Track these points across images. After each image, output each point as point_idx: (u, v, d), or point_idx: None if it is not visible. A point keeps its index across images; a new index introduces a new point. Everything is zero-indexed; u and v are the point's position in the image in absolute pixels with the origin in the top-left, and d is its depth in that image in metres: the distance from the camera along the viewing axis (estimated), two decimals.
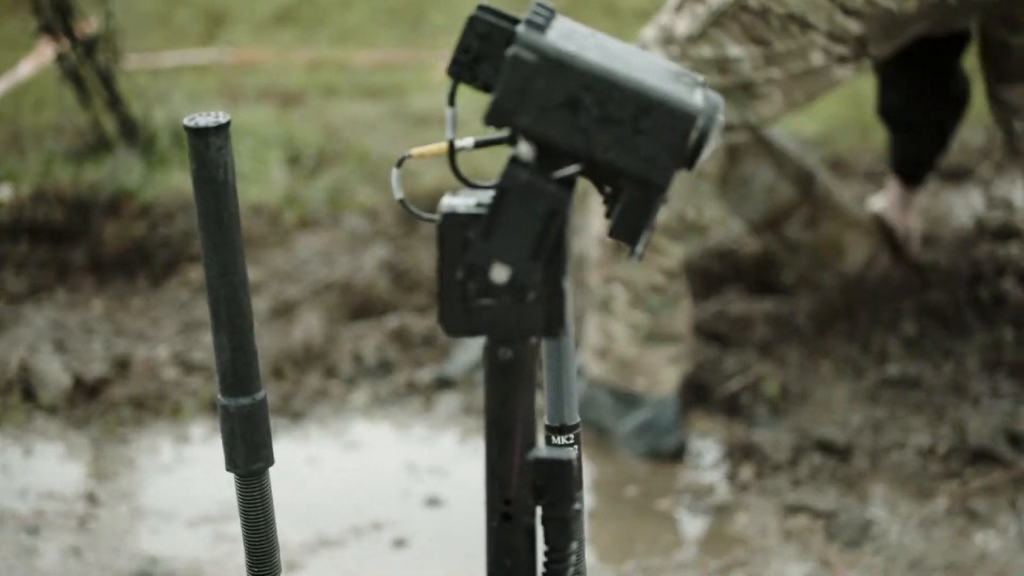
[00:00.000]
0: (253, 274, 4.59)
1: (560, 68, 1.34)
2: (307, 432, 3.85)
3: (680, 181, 3.68)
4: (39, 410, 3.91)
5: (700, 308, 4.46)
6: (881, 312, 4.29)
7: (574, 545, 1.53)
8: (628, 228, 1.38)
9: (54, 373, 4.00)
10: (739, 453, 3.64)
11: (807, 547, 3.30)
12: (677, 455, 3.67)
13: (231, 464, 1.70)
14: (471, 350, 4.06)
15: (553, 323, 1.42)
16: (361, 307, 4.41)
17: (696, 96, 1.37)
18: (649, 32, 3.58)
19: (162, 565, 3.22)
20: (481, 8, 1.44)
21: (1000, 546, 3.30)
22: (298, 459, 3.72)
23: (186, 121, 1.56)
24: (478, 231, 1.39)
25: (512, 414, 1.49)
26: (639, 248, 1.41)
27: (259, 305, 4.41)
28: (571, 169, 1.38)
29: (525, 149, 1.38)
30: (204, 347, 4.18)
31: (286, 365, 4.07)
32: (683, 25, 3.47)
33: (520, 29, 1.36)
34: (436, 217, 1.41)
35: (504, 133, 1.40)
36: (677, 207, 3.58)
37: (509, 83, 1.35)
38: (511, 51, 1.35)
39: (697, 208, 3.63)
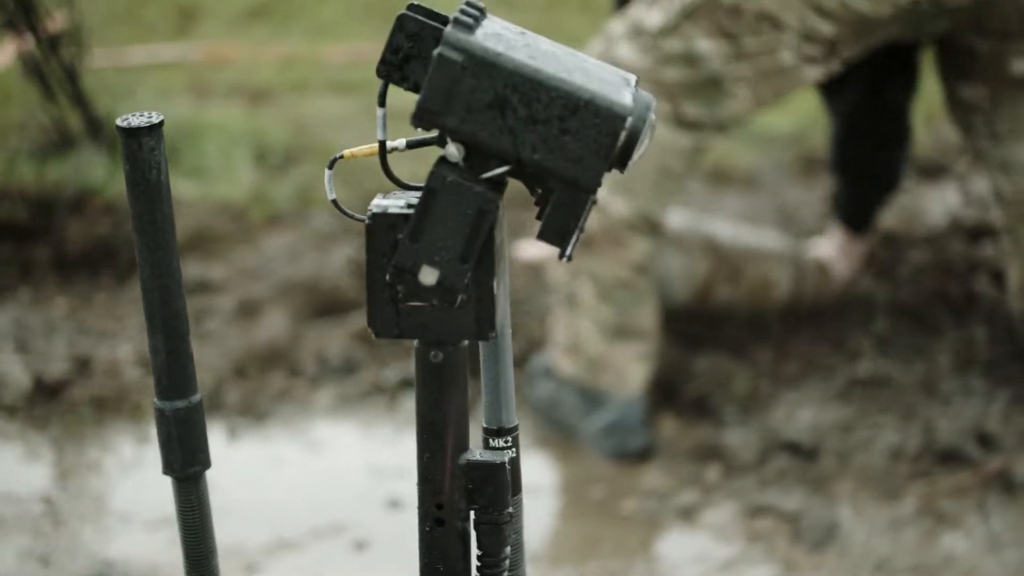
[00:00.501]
0: (219, 272, 4.59)
1: (486, 68, 1.34)
2: (270, 432, 3.85)
3: (644, 179, 3.71)
4: None
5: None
6: (853, 312, 4.30)
7: (507, 550, 1.53)
8: (557, 229, 1.38)
9: (14, 373, 4.00)
10: (706, 454, 3.65)
11: (772, 548, 3.31)
12: (644, 455, 3.68)
13: (167, 467, 1.69)
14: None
15: (483, 325, 1.42)
16: (327, 306, 4.41)
17: (625, 96, 1.36)
18: (617, 26, 3.59)
19: (119, 567, 3.22)
20: (411, 7, 1.44)
21: (967, 547, 3.31)
22: (260, 460, 3.72)
23: (119, 121, 1.56)
24: (406, 233, 1.39)
25: (444, 417, 1.49)
26: (568, 250, 1.41)
27: (224, 304, 4.41)
28: (499, 170, 1.38)
29: (453, 150, 1.38)
30: None
31: (250, 364, 4.07)
32: (654, 18, 3.47)
33: (447, 29, 1.35)
34: (366, 218, 1.41)
35: (434, 134, 1.40)
36: (641, 204, 3.59)
37: (435, 83, 1.35)
38: (437, 51, 1.34)
39: (661, 206, 3.63)
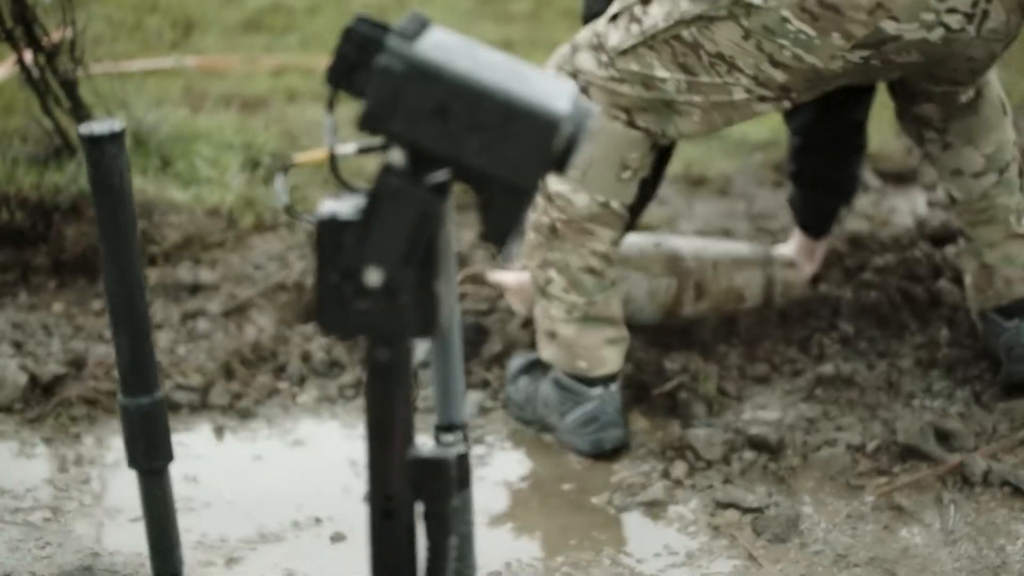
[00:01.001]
0: (209, 276, 4.59)
1: (427, 77, 1.35)
2: (254, 431, 3.85)
3: (602, 174, 3.71)
4: None
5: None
6: (819, 313, 4.31)
7: (453, 540, 1.53)
8: (497, 230, 1.39)
9: (11, 373, 4.00)
10: (673, 450, 3.65)
11: (734, 542, 3.31)
12: (618, 450, 3.68)
13: (132, 461, 1.70)
14: (418, 350, 4.07)
15: (427, 324, 1.42)
16: (313, 309, 4.41)
17: (562, 103, 1.37)
18: (584, 34, 3.60)
19: (104, 559, 3.22)
20: (358, 18, 1.44)
21: (924, 540, 3.31)
22: (244, 457, 3.72)
23: (81, 129, 1.57)
24: (352, 235, 1.39)
25: (391, 414, 1.49)
26: (510, 250, 1.41)
27: (212, 307, 4.41)
28: (441, 175, 1.38)
29: (396, 155, 1.38)
30: (159, 348, 4.17)
31: (236, 365, 4.07)
32: (615, 37, 3.49)
33: (388, 39, 1.36)
34: (311, 220, 1.41)
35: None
36: (600, 198, 3.60)
37: (378, 91, 1.36)
38: (379, 60, 1.35)
39: (621, 200, 3.63)
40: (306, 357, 4.14)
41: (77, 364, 4.08)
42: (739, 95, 3.45)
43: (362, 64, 1.42)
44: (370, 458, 1.50)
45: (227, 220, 4.93)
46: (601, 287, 3.68)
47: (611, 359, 3.72)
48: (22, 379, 3.98)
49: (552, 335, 3.72)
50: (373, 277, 1.40)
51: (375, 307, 1.41)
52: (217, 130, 5.57)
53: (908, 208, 5.46)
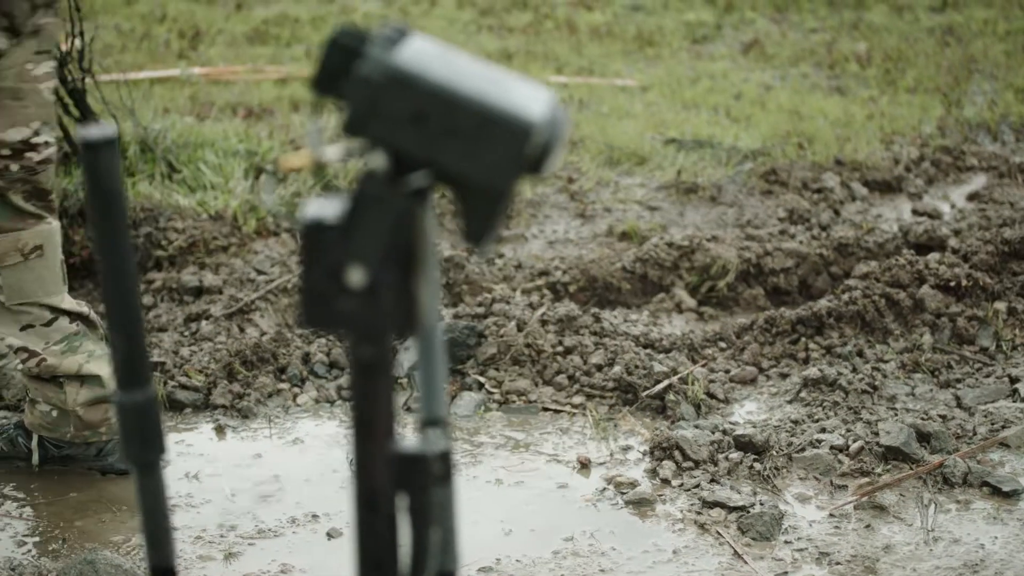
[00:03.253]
0: (212, 279, 4.61)
1: (404, 84, 1.36)
2: (255, 430, 3.87)
3: None
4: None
5: (637, 312, 4.50)
6: (805, 317, 4.32)
7: (436, 532, 1.55)
8: (475, 230, 1.41)
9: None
10: (661, 450, 3.66)
11: (720, 539, 3.32)
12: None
13: (127, 456, 1.71)
14: (410, 356, 4.09)
15: (408, 322, 1.44)
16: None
17: (535, 109, 1.39)
18: None
19: (107, 553, 3.23)
20: (342, 28, 1.46)
21: (905, 538, 3.32)
22: (245, 455, 3.74)
23: (77, 134, 1.59)
24: (335, 236, 1.41)
25: (373, 409, 1.51)
26: (488, 247, 1.43)
27: (215, 309, 4.43)
28: (420, 177, 1.40)
29: (376, 160, 1.40)
30: (164, 348, 4.19)
31: (238, 366, 4.09)
32: None
33: (368, 48, 1.38)
34: (298, 222, 1.43)
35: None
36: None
37: (359, 98, 1.38)
38: (359, 68, 1.37)
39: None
40: (306, 359, 4.16)
41: None
42: None
43: (345, 72, 1.44)
44: (354, 452, 1.52)
45: (231, 225, 4.95)
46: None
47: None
48: None
49: None
50: (355, 277, 1.42)
51: (357, 306, 1.43)
52: (222, 137, 5.59)
53: (893, 216, 5.48)
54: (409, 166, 1.39)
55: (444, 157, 1.37)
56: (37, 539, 3.32)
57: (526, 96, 1.41)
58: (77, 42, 5.14)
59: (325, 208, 1.44)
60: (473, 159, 1.37)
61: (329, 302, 1.42)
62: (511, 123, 1.36)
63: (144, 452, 1.79)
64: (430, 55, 1.40)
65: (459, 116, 1.36)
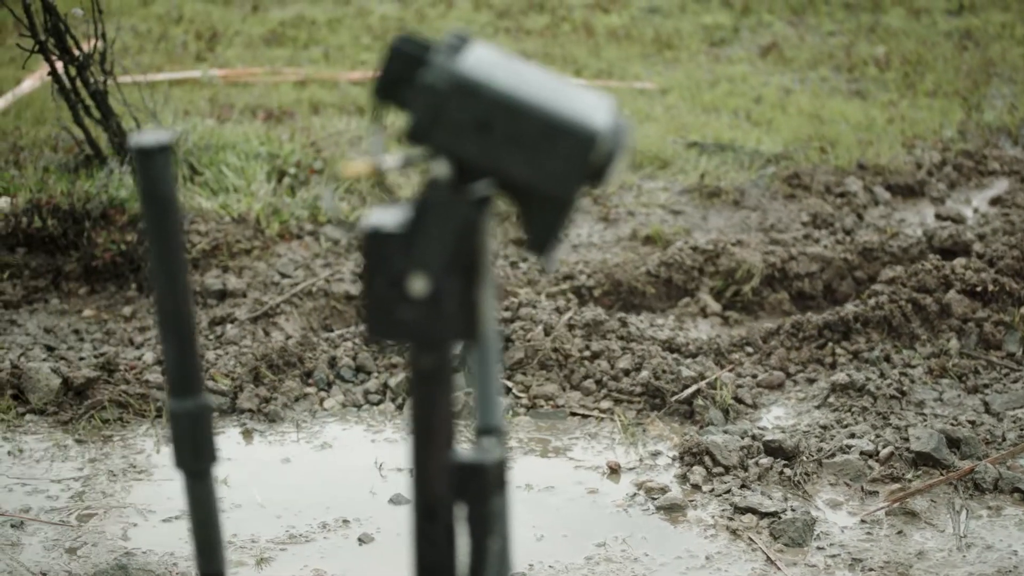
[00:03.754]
0: (236, 283, 4.61)
1: (469, 92, 1.36)
2: (282, 434, 3.86)
3: None
4: (29, 411, 3.92)
5: (662, 316, 4.49)
6: (832, 323, 4.31)
7: (494, 541, 1.54)
8: (539, 239, 1.40)
9: (44, 376, 4.01)
10: (691, 456, 3.65)
11: (752, 545, 3.32)
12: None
13: (179, 462, 1.71)
14: None
15: (469, 331, 1.43)
16: (338, 315, 4.43)
17: (599, 118, 1.38)
18: None
19: (138, 558, 3.23)
20: (402, 35, 1.46)
21: (937, 544, 3.32)
22: (273, 460, 3.73)
23: (132, 140, 1.58)
24: (398, 245, 1.40)
25: (434, 418, 1.50)
26: (552, 257, 1.43)
27: (240, 313, 4.42)
28: (483, 186, 1.39)
29: (440, 168, 1.39)
30: None
31: (264, 370, 4.08)
32: None
33: (432, 56, 1.37)
34: (358, 231, 1.42)
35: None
36: None
37: (423, 106, 1.37)
38: (423, 76, 1.36)
39: None
40: (332, 363, 4.16)
41: (108, 368, 4.10)
42: None
43: (406, 79, 1.43)
44: (414, 461, 1.51)
45: (254, 228, 4.95)
46: None
47: None
48: (55, 382, 3.99)
49: None
50: (418, 285, 1.41)
51: (419, 314, 1.42)
52: (243, 140, 5.59)
53: (917, 220, 5.47)
54: (472, 174, 1.38)
55: (508, 165, 1.37)
56: (68, 544, 3.32)
57: (590, 104, 1.40)
58: (99, 44, 5.14)
59: (387, 217, 1.44)
60: (537, 167, 1.37)
61: (392, 312, 1.41)
62: (576, 131, 1.35)
63: (196, 460, 1.79)
64: (493, 63, 1.39)
65: (524, 124, 1.35)
